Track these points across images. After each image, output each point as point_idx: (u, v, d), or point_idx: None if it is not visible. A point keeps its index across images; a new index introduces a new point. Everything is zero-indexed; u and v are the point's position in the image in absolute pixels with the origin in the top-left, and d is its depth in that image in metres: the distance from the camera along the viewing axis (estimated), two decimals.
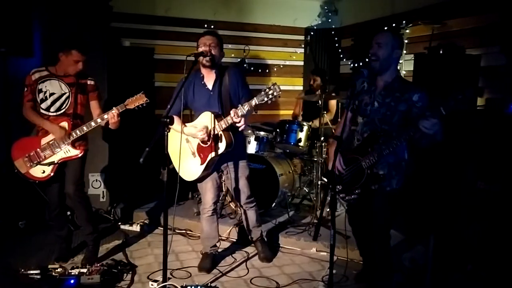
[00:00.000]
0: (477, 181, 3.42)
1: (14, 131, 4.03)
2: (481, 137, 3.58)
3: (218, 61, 3.28)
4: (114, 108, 3.27)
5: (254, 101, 2.92)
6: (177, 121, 3.12)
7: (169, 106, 2.96)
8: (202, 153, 3.25)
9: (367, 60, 2.83)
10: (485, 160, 3.48)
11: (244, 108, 2.97)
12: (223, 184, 4.43)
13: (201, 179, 3.39)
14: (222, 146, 3.17)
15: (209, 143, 3.19)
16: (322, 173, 4.52)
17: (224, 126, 3.10)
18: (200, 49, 3.15)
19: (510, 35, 3.70)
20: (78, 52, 3.29)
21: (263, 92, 2.87)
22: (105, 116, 3.26)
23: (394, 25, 5.28)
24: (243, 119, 3.02)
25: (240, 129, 3.10)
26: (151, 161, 2.79)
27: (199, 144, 3.26)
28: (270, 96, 2.85)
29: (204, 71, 3.30)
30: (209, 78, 3.31)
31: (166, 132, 2.71)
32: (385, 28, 5.28)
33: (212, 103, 3.28)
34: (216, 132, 3.15)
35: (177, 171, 3.19)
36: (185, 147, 3.30)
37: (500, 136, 3.43)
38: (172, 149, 3.14)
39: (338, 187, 3.00)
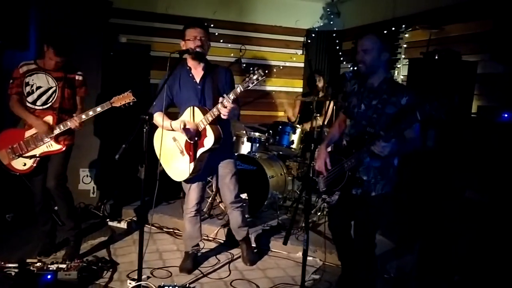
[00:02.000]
0: (466, 190, 3.34)
1: (7, 122, 4.02)
2: (471, 146, 3.50)
3: (206, 53, 3.23)
4: (75, 116, 3.32)
5: (239, 88, 2.89)
6: (164, 118, 3.12)
7: (154, 103, 2.93)
8: (191, 150, 3.16)
9: (353, 66, 2.79)
10: (475, 169, 3.41)
11: (229, 97, 2.92)
12: (213, 185, 4.41)
13: (190, 178, 3.29)
14: (210, 141, 3.09)
15: (196, 138, 3.12)
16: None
17: (210, 118, 3.04)
18: (190, 42, 3.12)
19: (501, 43, 3.61)
20: (53, 51, 3.27)
21: (247, 78, 2.84)
22: (68, 124, 3.31)
23: (394, 29, 5.20)
24: (228, 108, 2.96)
25: (223, 117, 3.02)
26: (143, 158, 2.76)
27: (186, 141, 3.18)
28: (255, 82, 2.82)
29: (191, 63, 3.25)
30: (196, 71, 3.26)
31: (145, 129, 2.68)
32: (385, 31, 5.23)
33: (199, 97, 3.22)
34: (203, 126, 3.09)
35: (162, 169, 3.17)
36: (173, 146, 3.22)
37: (490, 145, 3.35)
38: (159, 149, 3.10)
39: (322, 188, 2.97)
